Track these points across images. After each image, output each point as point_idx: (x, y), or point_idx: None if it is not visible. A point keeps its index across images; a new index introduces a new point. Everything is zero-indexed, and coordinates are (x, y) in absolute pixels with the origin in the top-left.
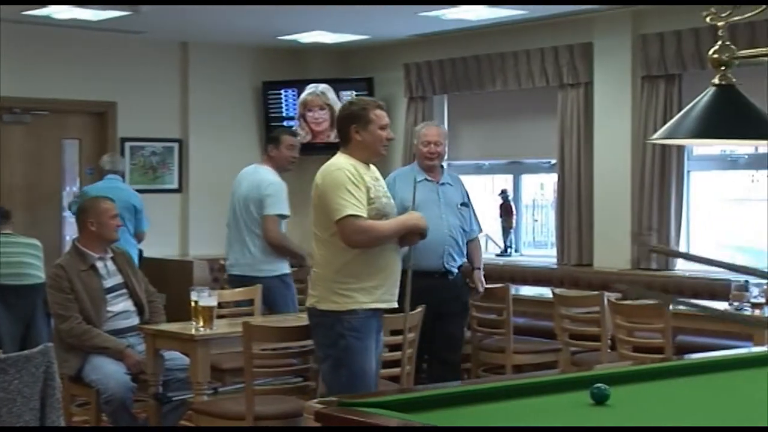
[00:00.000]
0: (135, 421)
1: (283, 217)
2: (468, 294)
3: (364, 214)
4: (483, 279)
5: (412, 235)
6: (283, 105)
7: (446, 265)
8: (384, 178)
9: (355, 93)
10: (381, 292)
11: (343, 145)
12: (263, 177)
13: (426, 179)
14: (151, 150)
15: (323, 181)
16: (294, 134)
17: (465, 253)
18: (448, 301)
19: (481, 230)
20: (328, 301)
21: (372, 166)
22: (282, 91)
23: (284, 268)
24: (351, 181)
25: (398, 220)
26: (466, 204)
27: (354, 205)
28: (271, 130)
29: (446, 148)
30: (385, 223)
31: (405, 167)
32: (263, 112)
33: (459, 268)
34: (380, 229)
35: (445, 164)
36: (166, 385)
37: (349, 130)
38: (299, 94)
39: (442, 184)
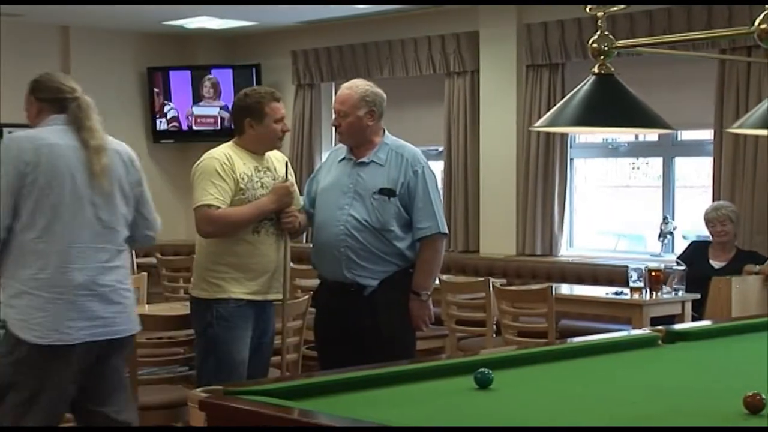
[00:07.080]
0: None
1: None
2: (401, 326)
3: (221, 204)
4: (425, 310)
5: (286, 217)
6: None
7: (348, 275)
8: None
9: (252, 80)
10: (254, 284)
11: (236, 134)
12: None
13: (346, 158)
14: None
15: (194, 170)
16: None
17: (399, 256)
18: (366, 332)
19: (441, 231)
20: (199, 288)
21: (274, 155)
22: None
23: None
24: (217, 171)
25: (253, 204)
26: (392, 191)
27: (211, 195)
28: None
29: (365, 116)
30: (238, 210)
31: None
32: (148, 99)
33: (391, 280)
34: (232, 217)
35: (389, 136)
36: None
37: (244, 123)
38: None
39: (364, 163)
